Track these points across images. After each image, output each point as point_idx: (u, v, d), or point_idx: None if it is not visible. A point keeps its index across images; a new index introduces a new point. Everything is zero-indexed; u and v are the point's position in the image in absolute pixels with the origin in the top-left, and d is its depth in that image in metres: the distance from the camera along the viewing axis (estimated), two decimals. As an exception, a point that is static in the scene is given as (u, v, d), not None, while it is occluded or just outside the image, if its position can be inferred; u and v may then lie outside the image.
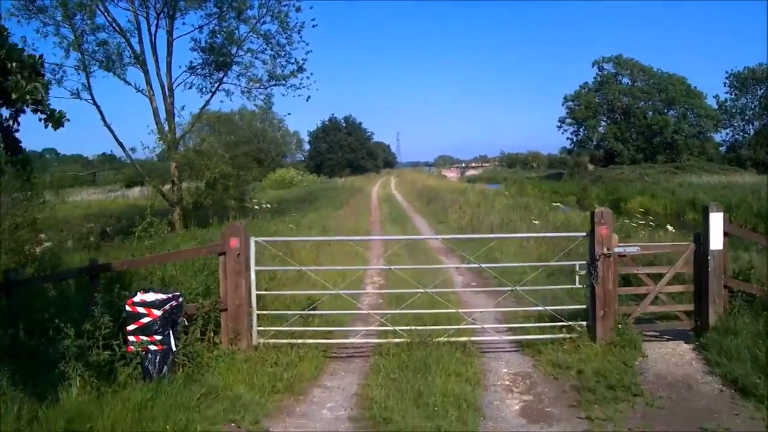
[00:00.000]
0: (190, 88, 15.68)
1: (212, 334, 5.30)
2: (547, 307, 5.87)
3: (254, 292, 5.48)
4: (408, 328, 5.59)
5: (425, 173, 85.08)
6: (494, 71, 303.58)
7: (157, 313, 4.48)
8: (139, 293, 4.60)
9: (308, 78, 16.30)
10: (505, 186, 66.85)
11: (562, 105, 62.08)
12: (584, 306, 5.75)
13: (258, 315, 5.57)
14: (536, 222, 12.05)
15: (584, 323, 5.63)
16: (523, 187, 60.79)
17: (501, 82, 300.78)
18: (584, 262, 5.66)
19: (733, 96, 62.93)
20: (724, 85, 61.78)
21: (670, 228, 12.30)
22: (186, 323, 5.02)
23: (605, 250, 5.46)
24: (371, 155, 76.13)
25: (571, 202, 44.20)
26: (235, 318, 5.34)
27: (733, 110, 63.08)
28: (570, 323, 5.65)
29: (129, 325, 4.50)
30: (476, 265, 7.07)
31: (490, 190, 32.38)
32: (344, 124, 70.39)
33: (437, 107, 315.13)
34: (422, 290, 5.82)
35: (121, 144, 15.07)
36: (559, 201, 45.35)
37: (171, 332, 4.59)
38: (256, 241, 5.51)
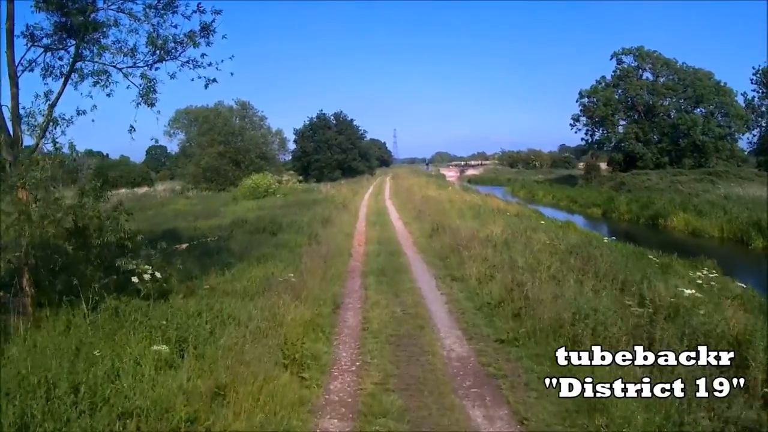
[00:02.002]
0: (32, 70, 9.24)
1: None
2: None
3: None
4: None
5: (423, 175, 78.98)
6: (492, 68, 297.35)
7: None
8: None
9: (210, 46, 9.56)
10: (511, 189, 60.90)
11: (577, 102, 55.87)
12: None
13: None
14: (662, 337, 5.71)
15: None
16: (533, 192, 54.30)
17: (498, 78, 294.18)
18: None
19: (761, 93, 57.38)
20: (751, 82, 55.78)
21: None
22: None
23: None
24: (364, 156, 69.37)
25: (595, 215, 37.84)
26: None
27: (762, 109, 57.62)
28: None
29: None
30: None
31: (509, 209, 26.00)
32: (334, 122, 63.64)
33: (434, 102, 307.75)
34: None
35: None
36: (581, 212, 39.33)
37: None
38: None
